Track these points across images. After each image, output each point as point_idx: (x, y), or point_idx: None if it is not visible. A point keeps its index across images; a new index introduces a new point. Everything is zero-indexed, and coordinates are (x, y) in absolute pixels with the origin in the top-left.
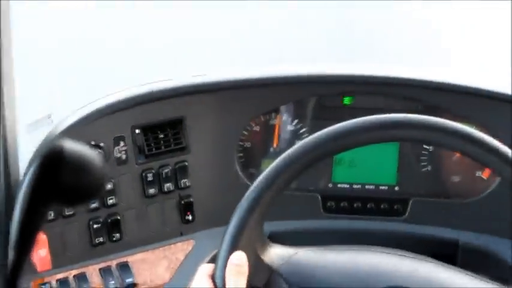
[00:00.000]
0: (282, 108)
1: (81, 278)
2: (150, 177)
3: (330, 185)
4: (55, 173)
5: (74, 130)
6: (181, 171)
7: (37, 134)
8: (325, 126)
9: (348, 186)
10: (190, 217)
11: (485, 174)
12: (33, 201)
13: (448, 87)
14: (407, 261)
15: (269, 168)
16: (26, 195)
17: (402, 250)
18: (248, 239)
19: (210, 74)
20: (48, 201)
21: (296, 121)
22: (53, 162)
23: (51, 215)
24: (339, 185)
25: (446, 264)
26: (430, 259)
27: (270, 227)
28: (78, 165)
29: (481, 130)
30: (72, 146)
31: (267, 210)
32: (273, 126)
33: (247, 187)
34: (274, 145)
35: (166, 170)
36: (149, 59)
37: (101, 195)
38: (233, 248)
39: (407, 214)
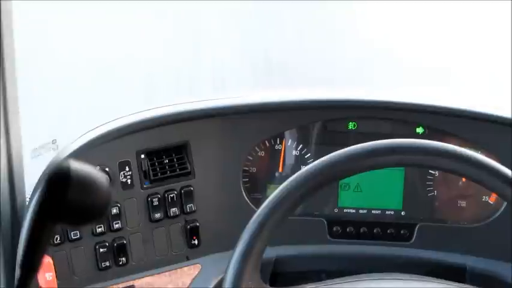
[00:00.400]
0: (287, 133)
1: None
2: (155, 201)
3: (336, 210)
4: (62, 192)
5: (80, 154)
6: (187, 195)
7: (42, 159)
8: (330, 151)
9: (353, 211)
10: (196, 241)
11: (491, 199)
12: (40, 219)
13: (451, 112)
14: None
15: (275, 193)
16: (34, 214)
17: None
18: (254, 265)
19: (214, 99)
20: (55, 220)
21: (301, 146)
22: (59, 181)
23: (57, 239)
24: (345, 210)
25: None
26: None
27: (275, 251)
28: (84, 184)
29: (484, 154)
30: (79, 166)
31: (272, 235)
32: (278, 151)
33: (253, 212)
34: (280, 170)
35: (171, 195)
36: None
37: (106, 216)
38: (239, 274)
39: (413, 239)
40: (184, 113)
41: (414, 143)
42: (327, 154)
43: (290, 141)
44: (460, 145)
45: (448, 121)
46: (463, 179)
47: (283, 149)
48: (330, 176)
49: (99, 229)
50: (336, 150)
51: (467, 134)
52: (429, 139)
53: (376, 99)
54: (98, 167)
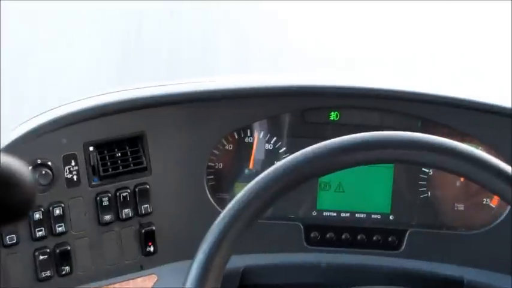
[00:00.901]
0: (258, 124)
1: None
2: (105, 201)
3: (314, 213)
4: None
5: (16, 146)
6: (142, 194)
7: None
8: (307, 145)
9: (334, 214)
10: (152, 248)
11: (493, 202)
12: None
13: (449, 102)
14: None
15: (241, 193)
16: None
17: None
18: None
19: (175, 83)
20: None
21: (274, 139)
22: None
23: None
24: (325, 213)
25: None
26: None
27: (243, 261)
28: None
29: (484, 150)
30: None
31: (239, 242)
32: (248, 144)
33: (218, 214)
34: (250, 166)
35: (124, 194)
36: None
37: (27, 213)
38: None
39: (403, 247)
40: (140, 99)
41: (406, 136)
42: (304, 148)
43: (262, 133)
44: (457, 139)
45: (444, 112)
46: (461, 179)
47: (254, 142)
48: (307, 173)
49: (39, 233)
50: (315, 143)
51: (465, 127)
52: (423, 132)
53: (363, 86)
54: (39, 161)
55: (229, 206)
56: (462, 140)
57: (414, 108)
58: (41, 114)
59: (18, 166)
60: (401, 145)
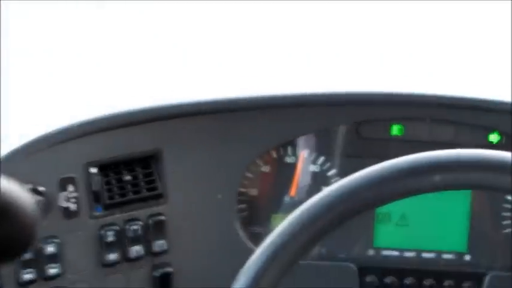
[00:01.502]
0: (302, 139)
1: None
2: (110, 236)
3: (371, 252)
4: None
5: (5, 168)
6: (156, 228)
7: None
8: (364, 166)
9: (396, 253)
10: None
11: None
12: None
13: None
14: None
15: (282, 225)
16: None
17: None
18: None
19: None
20: None
21: (322, 159)
22: None
23: None
24: (384, 252)
25: None
26: None
27: None
28: None
29: None
30: None
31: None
32: (290, 165)
33: (250, 252)
34: (291, 193)
35: (134, 227)
36: None
37: (25, 251)
38: None
39: None
40: (155, 109)
41: (487, 155)
42: (360, 170)
43: (307, 151)
44: None
45: None
46: None
47: (297, 163)
48: (363, 203)
49: (27, 275)
50: (373, 164)
51: None
52: (507, 149)
53: (433, 93)
54: (30, 186)
55: (266, 242)
56: None
57: (495, 121)
58: (33, 129)
59: (17, 192)
60: (489, 167)
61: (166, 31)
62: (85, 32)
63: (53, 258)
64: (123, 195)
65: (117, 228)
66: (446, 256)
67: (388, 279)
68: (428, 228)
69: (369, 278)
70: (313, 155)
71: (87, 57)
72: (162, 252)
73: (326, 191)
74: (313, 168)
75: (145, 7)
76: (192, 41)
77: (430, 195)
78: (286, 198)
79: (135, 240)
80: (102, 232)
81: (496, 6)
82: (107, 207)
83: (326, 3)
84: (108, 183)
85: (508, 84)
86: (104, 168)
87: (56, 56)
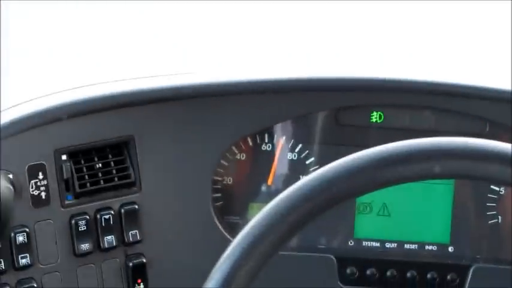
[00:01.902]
0: (279, 127)
1: None
2: (82, 225)
3: (351, 243)
4: None
5: None
6: (129, 217)
7: None
8: (343, 154)
9: (377, 244)
10: (141, 286)
11: None
12: None
13: None
14: None
15: (259, 215)
16: None
17: None
18: None
19: (176, 76)
20: None
21: (300, 146)
22: None
23: None
24: (365, 243)
25: None
26: None
27: None
28: None
29: None
30: None
31: (255, 279)
32: (266, 153)
33: (227, 243)
34: (268, 182)
35: (106, 216)
36: None
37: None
38: None
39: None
40: (127, 94)
41: (472, 143)
42: (339, 158)
43: (284, 139)
44: None
45: None
46: None
47: (274, 151)
48: (343, 192)
49: None
50: (353, 152)
51: None
52: (492, 138)
53: (416, 79)
54: None
55: (243, 232)
56: None
57: (480, 108)
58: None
59: None
60: (470, 155)
61: (166, 31)
62: (85, 32)
63: (24, 248)
64: (94, 183)
65: (88, 217)
66: (429, 247)
67: (369, 271)
68: (411, 219)
69: (349, 270)
70: (291, 143)
71: (87, 57)
72: (135, 242)
73: (304, 180)
74: (290, 156)
75: (146, 7)
76: (192, 41)
77: (413, 185)
78: (263, 187)
79: (108, 230)
80: (73, 221)
81: (496, 7)
82: (78, 195)
83: (326, 3)
84: (79, 170)
85: (508, 85)
86: (74, 155)
87: (56, 56)
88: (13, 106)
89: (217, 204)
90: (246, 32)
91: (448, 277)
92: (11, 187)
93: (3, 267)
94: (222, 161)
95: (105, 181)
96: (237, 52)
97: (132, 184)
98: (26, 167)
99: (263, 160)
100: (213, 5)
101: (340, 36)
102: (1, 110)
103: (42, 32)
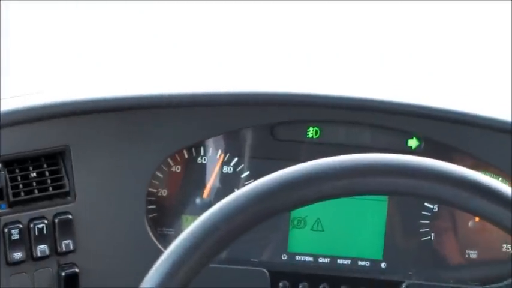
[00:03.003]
0: (214, 140)
1: None
2: (15, 234)
3: (284, 257)
4: None
5: None
6: (62, 227)
7: None
8: (277, 169)
9: (310, 259)
10: None
11: None
12: None
13: (457, 118)
14: None
15: (191, 227)
16: None
17: None
18: None
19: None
20: None
21: (235, 160)
22: None
23: None
24: (298, 257)
25: None
26: None
27: None
28: None
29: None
30: None
31: None
32: (202, 166)
33: (158, 254)
34: (203, 195)
35: (39, 225)
36: None
37: None
38: None
39: None
40: (63, 104)
41: (407, 160)
42: (273, 172)
43: (219, 152)
44: (462, 164)
45: (446, 129)
46: (476, 218)
47: (209, 164)
48: (275, 206)
49: None
50: (287, 166)
51: (468, 146)
52: (426, 156)
53: (351, 96)
54: None
55: (174, 243)
56: (467, 165)
57: (415, 125)
58: None
59: None
60: (403, 172)
61: (166, 31)
62: (84, 32)
63: None
64: (28, 192)
65: (21, 226)
66: (361, 263)
67: (301, 285)
68: (344, 234)
69: (282, 284)
70: (227, 156)
71: (87, 57)
72: (68, 252)
73: (238, 193)
74: (226, 169)
75: (145, 7)
76: (192, 41)
77: (347, 201)
78: (198, 200)
79: (41, 239)
80: (7, 230)
81: (496, 7)
82: (12, 204)
83: (326, 3)
84: (13, 179)
85: (508, 85)
86: (9, 164)
87: (56, 56)
88: None
89: (152, 215)
90: (246, 32)
91: None
92: None
93: None
94: (157, 173)
95: (40, 190)
96: (237, 52)
97: (67, 194)
98: None
99: (198, 173)
100: (213, 5)
101: (340, 36)
102: None
103: (42, 32)
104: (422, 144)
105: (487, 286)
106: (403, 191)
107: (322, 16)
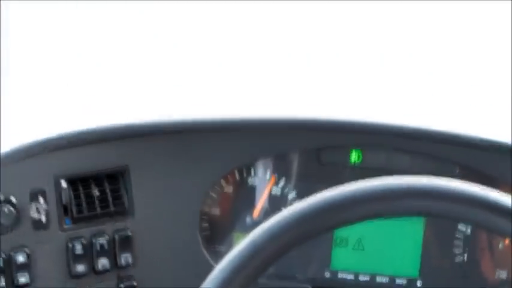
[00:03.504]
0: (264, 162)
1: None
2: (78, 249)
3: (327, 274)
4: None
5: None
6: (122, 242)
7: None
8: (322, 190)
9: (351, 276)
10: None
11: None
12: None
13: (488, 146)
14: None
15: (241, 244)
16: None
17: None
18: None
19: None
20: None
21: (283, 182)
22: None
23: None
24: (340, 275)
25: None
26: None
27: None
28: None
29: None
30: None
31: None
32: (252, 187)
33: (211, 269)
34: (254, 214)
35: (101, 241)
36: None
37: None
38: None
39: None
40: (125, 127)
41: (445, 185)
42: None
43: (269, 174)
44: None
45: (485, 158)
46: (506, 241)
47: (260, 185)
48: (320, 225)
49: None
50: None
51: (499, 174)
52: (463, 180)
53: (392, 123)
54: (1, 197)
55: (225, 259)
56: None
57: (448, 152)
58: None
59: None
60: (444, 196)
61: (167, 31)
62: (84, 32)
63: (23, 267)
64: (91, 209)
65: (84, 241)
66: (399, 281)
67: None
68: (383, 253)
69: None
70: (275, 178)
71: (87, 57)
72: (127, 266)
73: (283, 212)
74: (274, 190)
75: (146, 7)
76: (192, 41)
77: (386, 222)
78: (248, 219)
79: (102, 254)
80: (71, 244)
81: (496, 6)
82: (76, 220)
83: (326, 3)
84: (77, 196)
85: (508, 85)
86: (73, 182)
87: (56, 56)
88: (13, 137)
89: (205, 233)
90: (246, 31)
91: None
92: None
93: (3, 285)
94: (211, 193)
95: (101, 208)
96: (237, 52)
97: (126, 211)
98: (28, 192)
99: (249, 193)
100: (213, 5)
101: (340, 36)
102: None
103: (42, 32)
104: (457, 170)
105: None
106: (438, 213)
107: (322, 16)
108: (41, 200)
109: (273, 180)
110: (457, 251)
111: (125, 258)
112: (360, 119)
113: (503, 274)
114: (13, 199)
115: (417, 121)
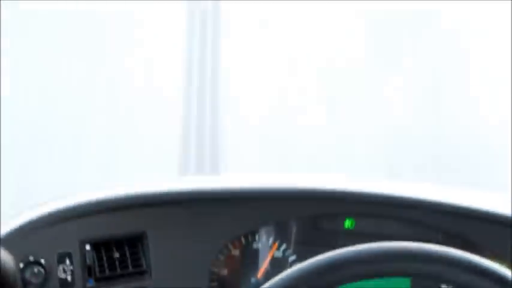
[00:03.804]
0: (267, 229)
1: None
2: None
3: None
4: None
5: (9, 241)
6: None
7: None
8: (320, 254)
9: None
10: None
11: None
12: None
13: (469, 213)
14: None
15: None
16: None
17: None
18: None
19: (180, 183)
20: None
21: (284, 246)
22: None
23: None
24: None
25: None
26: None
27: None
28: None
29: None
30: None
31: None
32: (257, 251)
33: None
34: (258, 275)
35: None
36: None
37: None
38: None
39: None
40: (142, 196)
41: (432, 250)
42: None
43: (271, 239)
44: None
45: (468, 224)
46: None
47: (264, 249)
48: (318, 284)
49: None
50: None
51: (482, 239)
52: (446, 245)
53: (382, 192)
54: (31, 258)
55: None
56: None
57: (437, 220)
58: (35, 208)
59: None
60: (428, 258)
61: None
62: (85, 31)
63: None
64: (112, 269)
65: None
66: None
67: None
68: None
69: None
70: (277, 243)
71: (87, 57)
72: None
73: (283, 274)
74: (276, 254)
75: (146, 7)
76: (192, 40)
77: (374, 281)
78: (253, 279)
79: None
80: None
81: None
82: (98, 280)
83: (327, 3)
84: (100, 259)
85: (508, 84)
86: (96, 245)
87: (56, 56)
88: (43, 203)
89: None
90: (246, 31)
91: None
92: (10, 257)
93: None
94: (219, 255)
95: (121, 268)
96: (237, 52)
97: (144, 272)
98: (56, 254)
99: (253, 256)
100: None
101: (341, 36)
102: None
103: (42, 32)
104: (440, 236)
105: None
106: (427, 274)
107: (322, 16)
108: (68, 261)
109: (275, 246)
110: None
111: None
112: (352, 189)
113: None
114: (42, 260)
115: (405, 191)
